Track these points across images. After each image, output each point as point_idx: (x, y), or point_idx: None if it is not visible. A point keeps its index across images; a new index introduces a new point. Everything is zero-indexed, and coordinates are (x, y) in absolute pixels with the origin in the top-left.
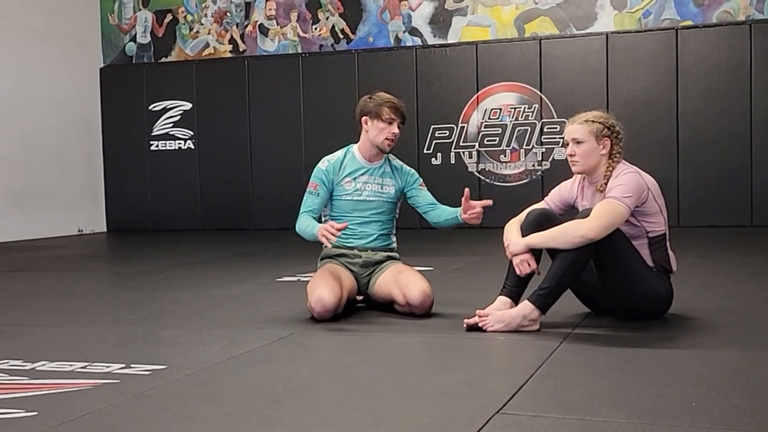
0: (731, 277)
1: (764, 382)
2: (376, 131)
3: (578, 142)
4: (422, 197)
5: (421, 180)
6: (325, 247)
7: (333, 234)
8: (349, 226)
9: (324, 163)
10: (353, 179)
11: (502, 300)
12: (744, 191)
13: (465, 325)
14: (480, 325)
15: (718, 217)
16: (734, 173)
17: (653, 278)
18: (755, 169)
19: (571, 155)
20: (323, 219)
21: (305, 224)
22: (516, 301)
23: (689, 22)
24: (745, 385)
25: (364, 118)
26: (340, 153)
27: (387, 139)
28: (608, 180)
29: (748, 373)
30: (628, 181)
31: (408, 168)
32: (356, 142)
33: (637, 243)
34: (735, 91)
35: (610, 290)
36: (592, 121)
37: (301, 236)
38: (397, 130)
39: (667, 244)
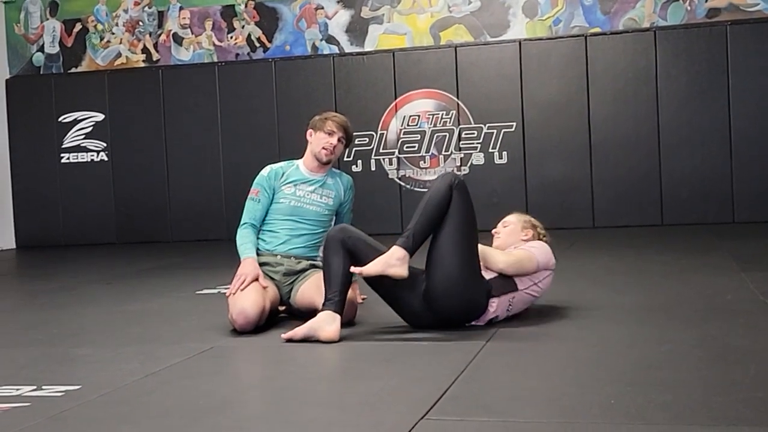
0: (644, 275)
1: (677, 376)
2: (317, 141)
3: (506, 225)
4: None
5: (353, 196)
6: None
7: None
8: (279, 231)
9: (266, 170)
10: (294, 185)
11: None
12: (654, 191)
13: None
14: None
15: (630, 217)
16: (644, 174)
17: (478, 276)
18: (663, 169)
19: (496, 233)
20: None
21: (241, 242)
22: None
23: (597, 30)
24: (659, 380)
25: (309, 131)
26: (283, 163)
27: (324, 148)
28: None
29: (663, 367)
30: (543, 247)
31: (346, 176)
32: (299, 158)
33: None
34: (642, 94)
35: (435, 258)
36: (524, 215)
37: None
38: (335, 142)
39: (507, 296)
